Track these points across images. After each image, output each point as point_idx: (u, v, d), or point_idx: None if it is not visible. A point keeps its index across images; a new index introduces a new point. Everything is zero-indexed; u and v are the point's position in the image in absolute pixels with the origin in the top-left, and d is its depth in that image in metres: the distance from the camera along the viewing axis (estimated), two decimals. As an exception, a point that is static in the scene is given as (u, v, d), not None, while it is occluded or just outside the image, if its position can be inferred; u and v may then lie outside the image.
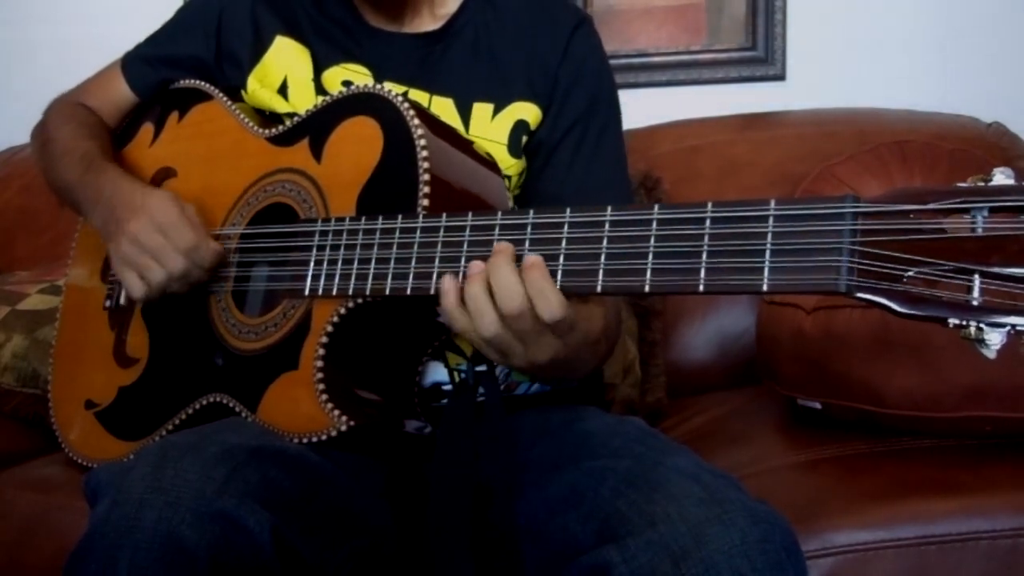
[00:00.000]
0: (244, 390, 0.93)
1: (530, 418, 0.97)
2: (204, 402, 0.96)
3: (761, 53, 1.82)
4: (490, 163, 0.98)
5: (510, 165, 1.03)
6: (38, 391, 1.41)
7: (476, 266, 0.76)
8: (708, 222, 0.66)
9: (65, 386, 1.16)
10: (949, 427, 1.04)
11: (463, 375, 0.98)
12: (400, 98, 0.90)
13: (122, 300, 1.11)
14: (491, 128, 1.03)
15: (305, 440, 0.86)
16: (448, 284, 0.77)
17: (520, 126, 1.03)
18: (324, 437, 0.85)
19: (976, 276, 0.56)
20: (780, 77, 1.82)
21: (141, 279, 0.97)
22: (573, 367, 0.89)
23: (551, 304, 0.73)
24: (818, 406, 1.16)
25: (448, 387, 0.99)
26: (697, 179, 1.63)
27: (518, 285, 0.74)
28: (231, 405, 0.93)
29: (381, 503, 0.91)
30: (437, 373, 0.99)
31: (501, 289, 0.74)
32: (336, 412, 0.85)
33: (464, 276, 0.77)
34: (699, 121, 1.74)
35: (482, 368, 0.91)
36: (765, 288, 0.62)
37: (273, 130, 1.03)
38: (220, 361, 0.98)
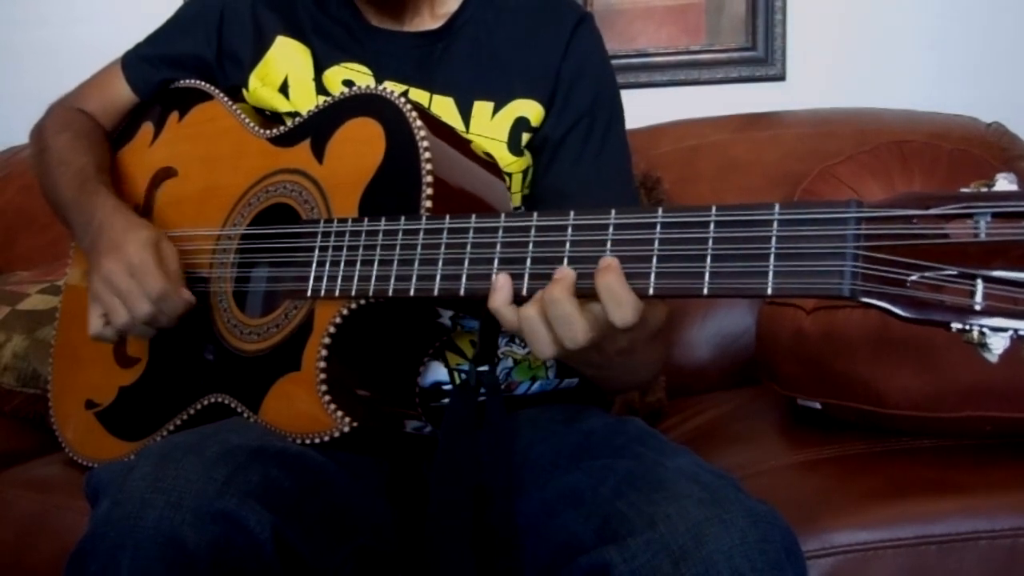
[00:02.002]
0: (246, 391, 0.93)
1: (530, 418, 0.97)
2: (205, 402, 0.96)
3: (761, 53, 1.82)
4: (491, 164, 0.98)
5: (511, 163, 1.03)
6: (38, 391, 1.41)
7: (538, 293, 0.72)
8: (712, 225, 0.66)
9: (65, 386, 1.16)
10: (949, 427, 1.04)
11: (464, 375, 0.99)
12: (402, 99, 0.90)
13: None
14: (491, 126, 1.03)
15: (307, 441, 0.86)
16: (502, 282, 0.74)
17: (520, 123, 1.03)
18: (326, 438, 0.85)
19: (979, 281, 0.56)
20: (780, 77, 1.82)
21: (103, 318, 0.98)
22: (633, 367, 0.86)
23: (624, 310, 0.69)
24: (818, 406, 1.16)
25: (448, 387, 1.00)
26: (697, 179, 1.63)
27: (580, 320, 0.70)
28: (232, 406, 0.93)
29: (382, 503, 0.91)
30: (437, 373, 0.99)
31: (559, 322, 0.71)
32: (338, 413, 0.85)
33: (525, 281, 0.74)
34: (699, 121, 1.74)
35: (483, 368, 0.91)
36: (769, 292, 0.62)
37: (274, 130, 1.02)
38: (216, 361, 0.98)
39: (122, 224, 1.00)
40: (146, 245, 0.96)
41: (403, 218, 0.84)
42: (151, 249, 0.96)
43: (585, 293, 0.71)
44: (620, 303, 0.69)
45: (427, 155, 0.86)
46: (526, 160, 1.05)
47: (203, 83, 1.13)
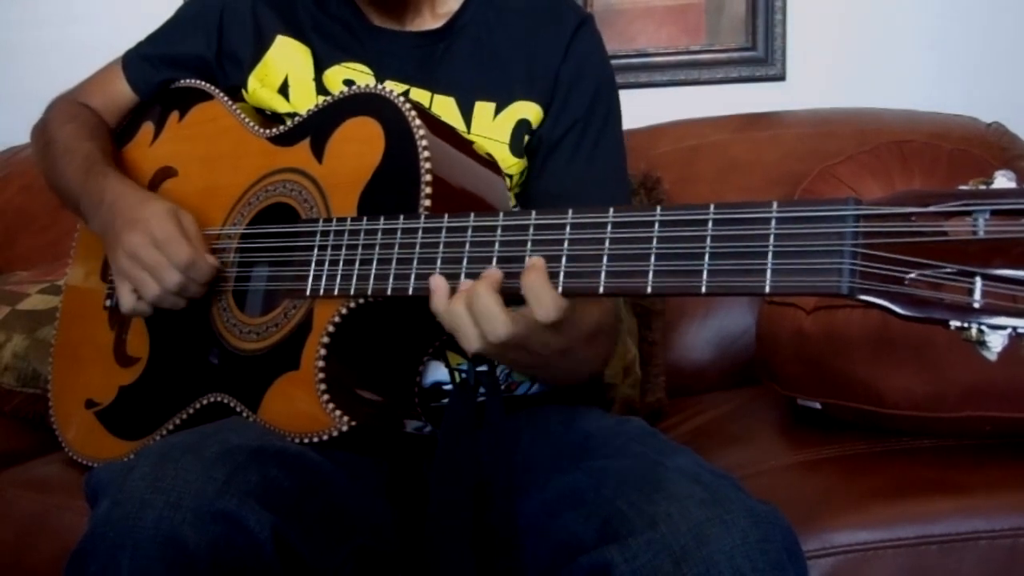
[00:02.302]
0: (245, 390, 0.93)
1: (530, 418, 0.97)
2: (205, 402, 0.96)
3: (761, 53, 1.82)
4: (491, 163, 0.98)
5: (512, 164, 1.03)
6: (38, 391, 1.41)
7: (465, 283, 0.76)
8: (710, 224, 0.66)
9: (65, 386, 1.16)
10: (949, 427, 1.04)
11: (464, 375, 0.99)
12: (401, 99, 0.90)
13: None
14: (493, 127, 1.03)
15: (306, 440, 0.86)
16: (436, 283, 0.78)
17: (522, 125, 1.03)
18: (325, 437, 0.85)
19: (977, 279, 0.56)
20: (780, 77, 1.82)
21: (134, 293, 0.97)
22: (571, 365, 0.88)
23: (546, 308, 0.73)
24: (818, 406, 1.16)
25: (448, 387, 1.00)
26: (697, 179, 1.63)
27: (501, 315, 0.73)
28: (232, 405, 0.93)
29: (381, 503, 0.91)
30: (437, 373, 0.99)
31: (482, 316, 0.74)
32: (337, 412, 0.85)
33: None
34: (699, 121, 1.74)
35: (483, 368, 0.91)
36: (767, 290, 0.62)
37: (274, 130, 1.03)
38: (215, 360, 0.98)
39: (137, 198, 1.00)
40: (167, 215, 0.96)
41: (402, 217, 0.84)
42: (172, 219, 0.96)
43: (571, 292, 0.73)
44: (541, 301, 0.72)
45: (426, 154, 0.86)
46: (526, 161, 1.05)
47: (203, 83, 1.13)
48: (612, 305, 0.98)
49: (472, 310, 0.74)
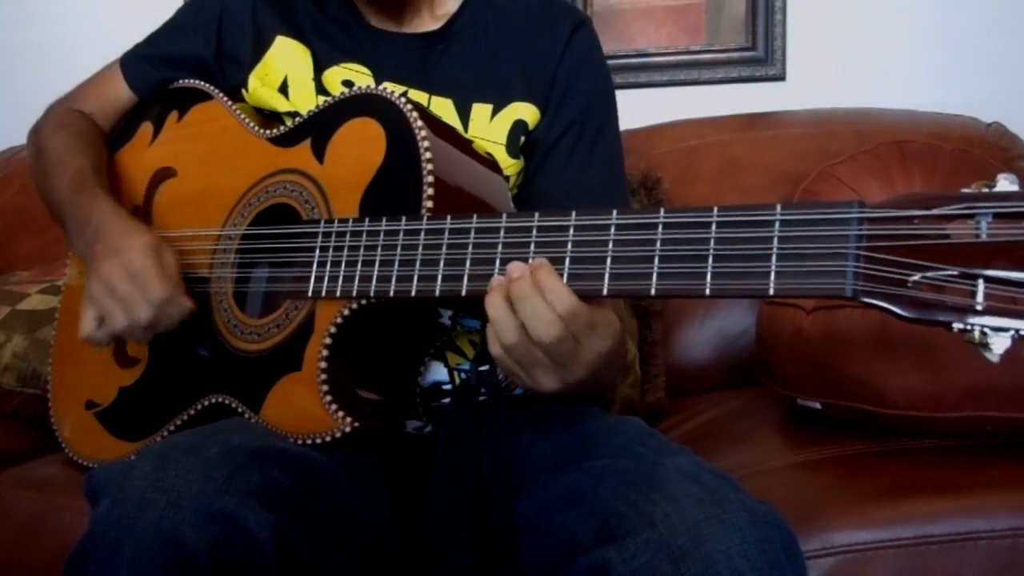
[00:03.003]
0: (246, 391, 0.93)
1: (530, 418, 0.97)
2: (206, 403, 0.96)
3: (761, 53, 1.82)
4: (491, 163, 0.98)
5: (509, 165, 1.03)
6: (38, 391, 1.41)
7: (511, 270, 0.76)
8: (714, 226, 0.66)
9: (65, 386, 1.16)
10: (949, 427, 1.04)
11: (465, 375, 0.99)
12: (403, 99, 0.90)
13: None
14: (490, 129, 1.03)
15: (308, 441, 0.86)
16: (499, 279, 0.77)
17: (518, 126, 1.04)
18: (327, 438, 0.85)
19: (980, 281, 0.56)
20: (780, 77, 1.82)
21: (97, 320, 0.97)
22: (604, 374, 0.86)
23: (561, 296, 0.73)
24: (818, 406, 1.16)
25: (448, 387, 1.00)
26: (697, 179, 1.63)
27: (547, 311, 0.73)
28: (233, 406, 0.93)
29: (382, 503, 0.91)
30: (437, 373, 0.99)
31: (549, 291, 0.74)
32: (340, 413, 0.85)
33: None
34: (699, 121, 1.74)
35: (484, 368, 0.91)
36: (771, 292, 0.63)
37: (274, 130, 1.02)
38: (216, 361, 0.97)
39: (121, 228, 0.99)
40: (147, 250, 0.95)
41: (404, 218, 0.84)
42: (152, 254, 0.95)
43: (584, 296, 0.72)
44: (558, 294, 0.73)
45: (428, 155, 0.85)
46: (523, 162, 1.05)
47: (202, 83, 1.13)
48: (624, 308, 0.98)
49: (540, 288, 0.74)
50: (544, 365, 0.77)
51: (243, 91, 1.11)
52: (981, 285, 0.56)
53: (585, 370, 0.79)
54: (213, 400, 0.96)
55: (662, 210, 0.68)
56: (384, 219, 0.85)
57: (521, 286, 0.74)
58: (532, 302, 0.74)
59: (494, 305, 0.76)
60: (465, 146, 0.95)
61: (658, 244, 0.68)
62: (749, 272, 0.64)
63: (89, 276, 0.98)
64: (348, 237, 0.87)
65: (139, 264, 0.94)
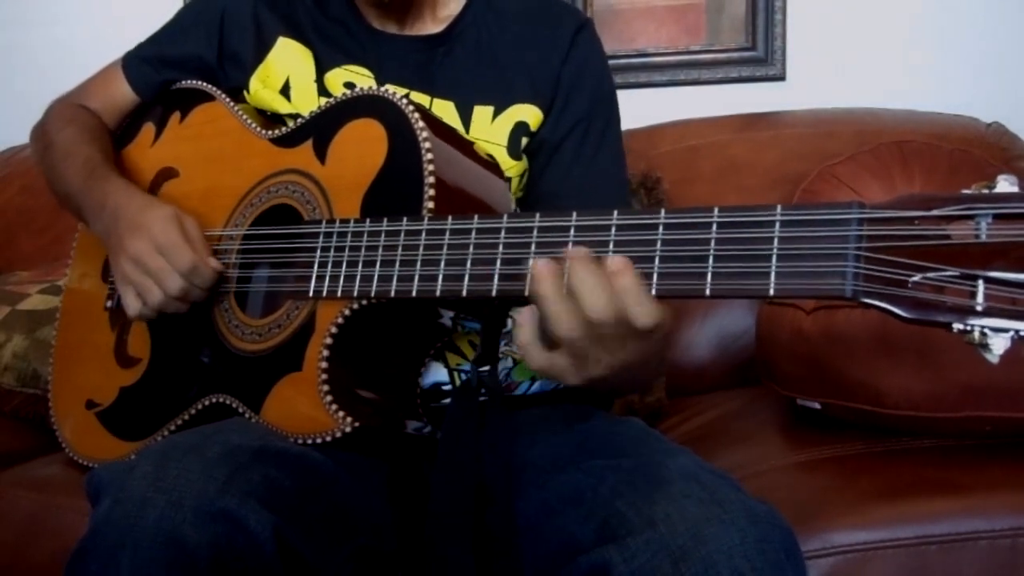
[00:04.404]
0: (247, 391, 0.93)
1: (530, 418, 0.97)
2: (207, 403, 0.96)
3: (761, 53, 1.82)
4: (492, 165, 0.98)
5: (510, 167, 1.03)
6: (38, 391, 1.41)
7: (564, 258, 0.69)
8: (714, 227, 0.66)
9: (65, 386, 1.16)
10: (949, 427, 1.05)
11: (464, 376, 0.99)
12: (404, 100, 0.90)
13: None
14: (491, 130, 1.03)
15: (309, 441, 0.86)
16: (541, 269, 0.69)
17: (520, 128, 1.04)
18: (328, 438, 0.85)
19: (980, 282, 0.56)
20: (780, 77, 1.83)
21: (139, 298, 0.98)
22: (647, 368, 0.82)
23: (646, 309, 0.67)
24: (818, 406, 1.16)
25: (448, 387, 1.00)
26: (697, 179, 1.64)
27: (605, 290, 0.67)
28: (234, 406, 0.93)
29: (382, 503, 0.91)
30: (437, 373, 0.99)
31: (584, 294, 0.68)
32: (340, 413, 0.85)
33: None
34: (699, 121, 1.74)
35: (484, 369, 0.92)
36: (772, 293, 0.63)
37: (276, 131, 1.02)
38: (217, 361, 0.98)
39: (139, 203, 1.00)
40: (169, 221, 0.96)
41: (405, 219, 0.84)
42: (175, 224, 0.96)
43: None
44: (642, 303, 0.67)
45: (429, 156, 0.86)
46: (524, 164, 1.05)
47: (205, 84, 1.13)
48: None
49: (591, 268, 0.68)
50: (602, 345, 0.71)
51: (245, 93, 1.11)
52: (981, 286, 0.56)
53: (634, 354, 0.72)
54: (214, 400, 0.96)
55: (663, 210, 0.68)
56: (385, 220, 0.85)
57: (578, 267, 0.68)
58: (590, 278, 0.67)
59: (546, 294, 0.69)
60: (466, 147, 0.95)
61: (659, 244, 0.68)
62: (749, 272, 0.64)
63: (117, 257, 0.99)
64: (349, 237, 0.87)
65: (163, 236, 0.95)
